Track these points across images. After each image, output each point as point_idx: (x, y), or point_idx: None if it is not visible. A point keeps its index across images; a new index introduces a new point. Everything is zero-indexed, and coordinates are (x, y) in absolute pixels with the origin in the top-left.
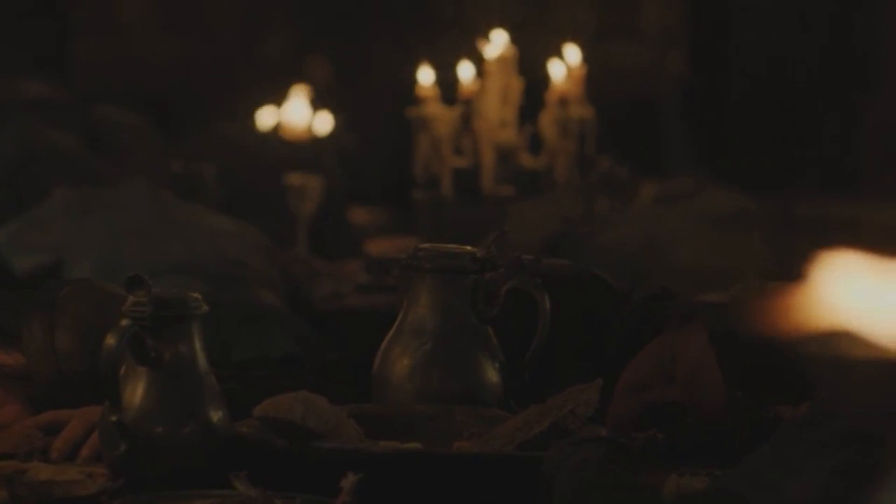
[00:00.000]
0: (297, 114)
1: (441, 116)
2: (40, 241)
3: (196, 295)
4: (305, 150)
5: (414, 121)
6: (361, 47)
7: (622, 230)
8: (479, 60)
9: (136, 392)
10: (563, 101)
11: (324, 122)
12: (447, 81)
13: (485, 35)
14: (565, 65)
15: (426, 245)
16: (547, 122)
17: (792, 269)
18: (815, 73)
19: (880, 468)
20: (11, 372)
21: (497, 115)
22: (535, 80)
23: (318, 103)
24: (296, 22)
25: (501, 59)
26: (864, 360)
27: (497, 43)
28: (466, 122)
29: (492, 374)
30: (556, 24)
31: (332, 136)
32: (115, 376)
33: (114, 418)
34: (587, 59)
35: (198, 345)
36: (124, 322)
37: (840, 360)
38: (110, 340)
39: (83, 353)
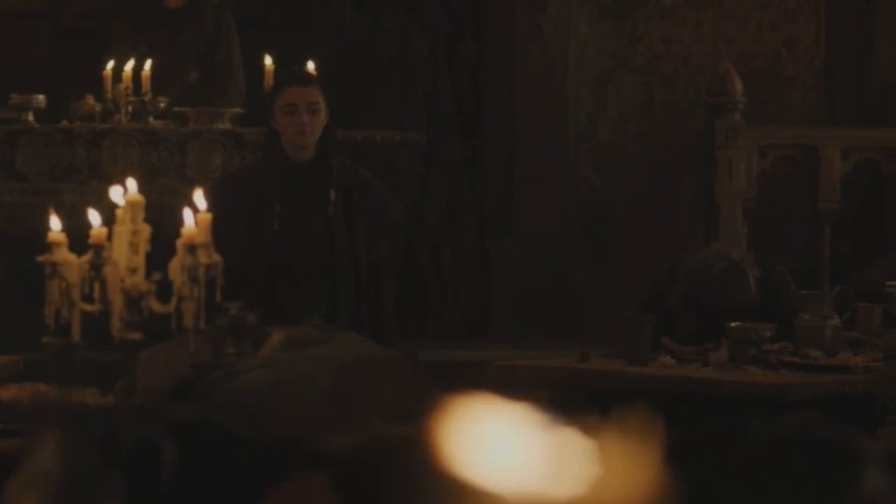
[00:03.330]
0: None
1: (70, 262)
2: None
3: None
4: None
5: (44, 267)
6: None
7: (250, 375)
8: (109, 207)
9: None
10: (192, 248)
11: None
12: (77, 227)
13: (115, 181)
14: (194, 211)
15: (54, 391)
16: (175, 267)
17: (419, 415)
18: (447, 222)
19: None
20: None
21: (126, 261)
22: (165, 227)
23: None
24: None
25: (130, 206)
26: None
27: (126, 189)
28: (96, 268)
29: None
30: (188, 169)
31: None
32: None
33: None
34: None
35: None
36: None
37: None
38: None
39: None
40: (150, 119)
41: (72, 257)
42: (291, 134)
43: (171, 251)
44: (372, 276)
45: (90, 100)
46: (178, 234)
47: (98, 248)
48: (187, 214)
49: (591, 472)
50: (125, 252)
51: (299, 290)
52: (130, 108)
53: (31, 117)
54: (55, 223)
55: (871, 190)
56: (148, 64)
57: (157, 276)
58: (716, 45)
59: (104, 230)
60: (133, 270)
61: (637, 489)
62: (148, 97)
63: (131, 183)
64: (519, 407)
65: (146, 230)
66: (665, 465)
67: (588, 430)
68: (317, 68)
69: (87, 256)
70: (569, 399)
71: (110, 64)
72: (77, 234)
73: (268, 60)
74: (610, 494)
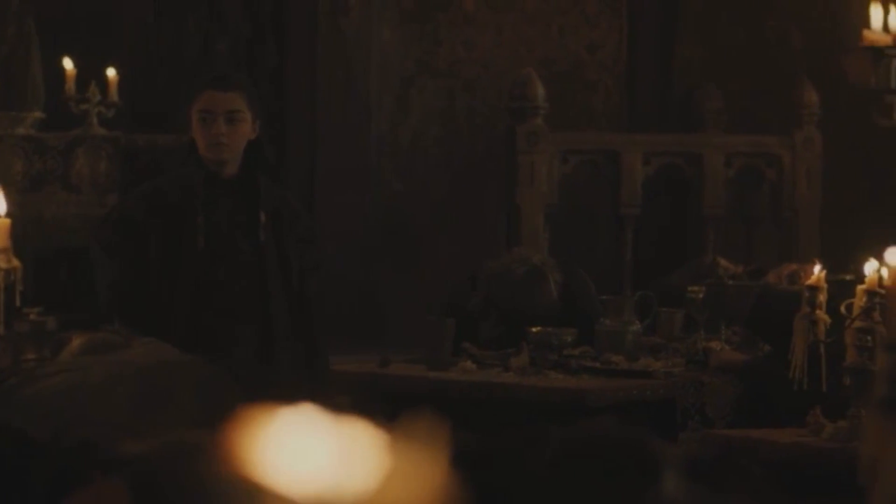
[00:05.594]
0: None
1: None
2: None
3: None
4: None
5: None
6: None
7: (50, 381)
8: None
9: None
10: None
11: None
12: None
13: None
14: None
15: None
16: None
17: (223, 421)
18: None
19: None
20: None
21: None
22: None
23: None
24: None
25: None
26: None
27: None
28: None
29: None
30: None
31: None
32: None
33: None
34: (18, 208)
35: None
36: None
37: None
38: None
39: None
40: None
41: None
42: (204, 145)
43: None
44: (303, 310)
45: None
46: None
47: None
48: None
49: (372, 476)
50: None
51: (229, 322)
52: None
53: None
54: None
55: (673, 195)
56: None
57: None
58: (517, 49)
59: None
60: None
61: (417, 495)
62: None
63: None
64: (311, 412)
65: None
66: (452, 472)
67: (374, 435)
68: (118, 72)
69: None
70: (369, 404)
71: None
72: None
73: (68, 64)
74: (389, 499)
